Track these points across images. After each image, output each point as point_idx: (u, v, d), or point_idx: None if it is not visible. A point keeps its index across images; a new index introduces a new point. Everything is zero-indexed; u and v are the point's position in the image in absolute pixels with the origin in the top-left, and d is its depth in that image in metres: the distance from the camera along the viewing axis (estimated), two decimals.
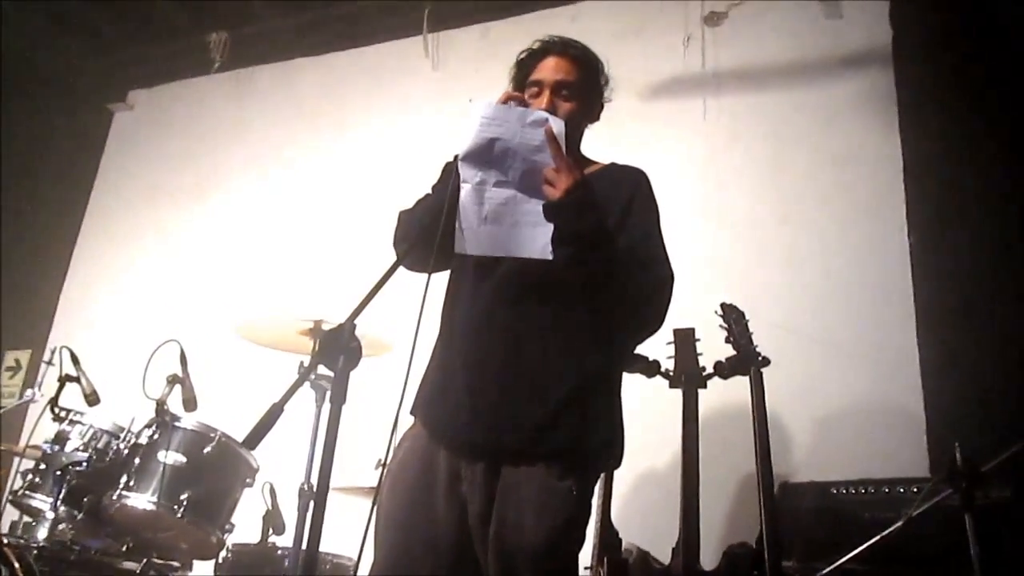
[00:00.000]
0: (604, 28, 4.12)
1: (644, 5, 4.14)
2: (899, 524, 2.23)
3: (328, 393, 1.77)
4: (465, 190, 1.72)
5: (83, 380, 2.85)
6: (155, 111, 5.26)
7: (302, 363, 2.60)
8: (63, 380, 2.82)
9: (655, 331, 1.92)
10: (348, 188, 4.40)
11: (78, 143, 5.24)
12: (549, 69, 1.93)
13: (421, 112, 4.42)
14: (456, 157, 1.74)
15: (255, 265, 4.36)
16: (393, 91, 4.58)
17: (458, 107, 4.11)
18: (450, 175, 1.75)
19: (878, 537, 2.24)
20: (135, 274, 4.67)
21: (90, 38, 5.14)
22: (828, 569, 2.28)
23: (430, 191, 1.96)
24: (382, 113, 4.54)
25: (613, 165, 2.06)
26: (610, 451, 1.86)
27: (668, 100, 3.96)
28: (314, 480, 2.23)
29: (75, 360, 2.86)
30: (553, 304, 1.82)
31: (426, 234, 1.73)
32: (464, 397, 1.80)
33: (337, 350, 1.48)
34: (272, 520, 2.72)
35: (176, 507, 2.57)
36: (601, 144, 2.08)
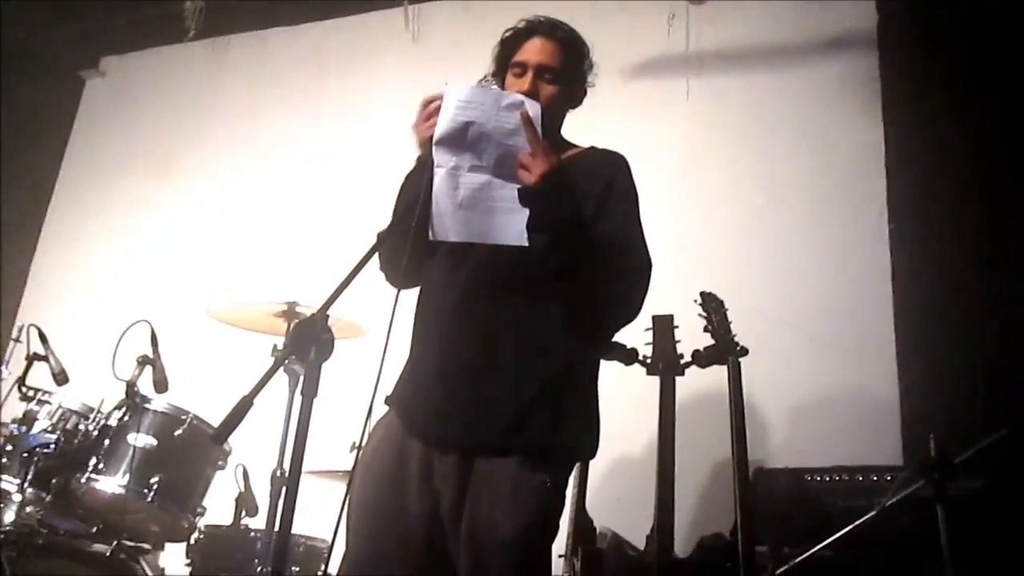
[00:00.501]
0: (587, 4, 4.06)
1: None
2: (872, 514, 2.25)
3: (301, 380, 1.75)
4: (439, 175, 1.68)
5: (51, 359, 2.78)
6: (128, 79, 5.14)
7: (275, 346, 2.57)
8: (31, 359, 2.75)
9: (631, 320, 1.90)
10: (325, 163, 4.33)
11: (48, 111, 5.10)
12: (534, 51, 1.88)
13: (400, 85, 4.33)
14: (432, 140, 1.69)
15: (229, 241, 4.29)
16: (372, 63, 4.49)
17: (438, 81, 4.07)
18: (422, 167, 1.71)
19: (852, 526, 2.25)
20: (106, 250, 4.58)
21: (61, 2, 4.98)
22: (801, 557, 2.30)
23: (404, 182, 1.91)
24: (360, 85, 4.46)
25: (592, 149, 2.02)
26: (585, 443, 1.84)
27: (651, 79, 3.92)
28: (287, 466, 2.20)
29: (43, 338, 2.79)
30: (528, 293, 1.79)
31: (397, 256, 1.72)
32: (437, 390, 1.78)
33: (309, 341, 1.45)
34: (245, 502, 2.70)
35: (146, 491, 2.53)
36: (582, 122, 2.04)
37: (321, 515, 1.83)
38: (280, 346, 2.61)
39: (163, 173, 4.67)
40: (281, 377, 2.56)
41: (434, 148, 1.69)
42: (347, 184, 4.18)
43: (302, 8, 4.72)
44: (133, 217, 4.62)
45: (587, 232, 1.74)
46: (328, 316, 1.47)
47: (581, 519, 2.40)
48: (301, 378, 1.48)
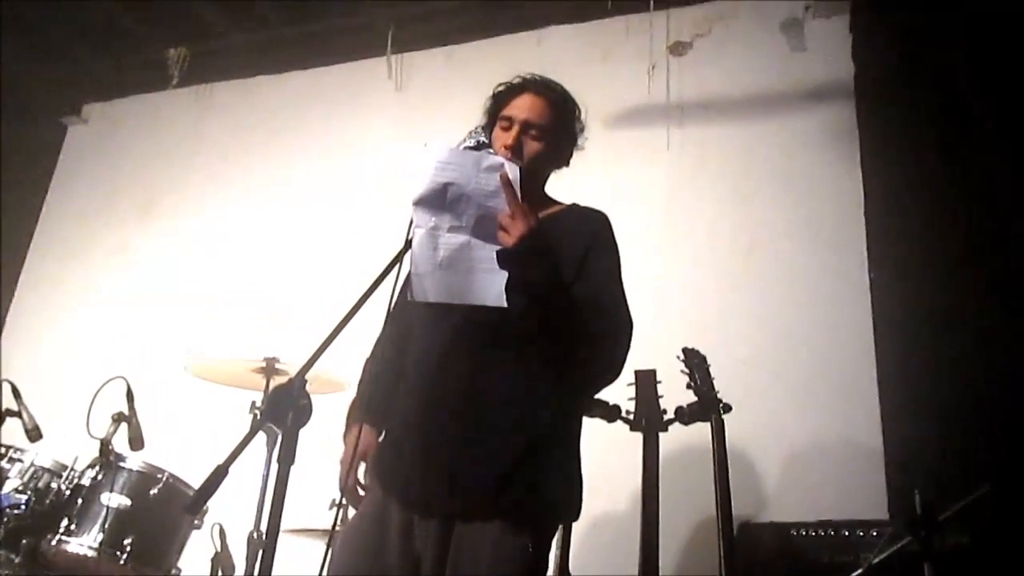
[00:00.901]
0: (569, 54, 4.12)
1: (610, 32, 4.13)
2: (859, 572, 2.22)
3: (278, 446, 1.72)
4: (419, 235, 1.68)
5: (25, 414, 2.73)
6: (110, 126, 5.13)
7: (254, 402, 2.54)
8: (3, 415, 2.70)
9: (613, 381, 1.90)
10: (307, 212, 4.31)
11: (29, 158, 5.07)
12: (523, 107, 1.90)
13: (385, 133, 4.37)
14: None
15: (209, 293, 4.24)
16: (356, 112, 4.51)
17: (422, 130, 4.13)
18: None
19: None
20: (85, 299, 4.52)
21: (44, 48, 4.99)
22: None
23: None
24: (344, 134, 4.47)
25: (574, 207, 2.03)
26: (568, 505, 1.82)
27: (632, 128, 3.94)
28: (264, 527, 2.16)
29: (16, 394, 2.74)
30: (509, 354, 1.78)
31: None
32: (418, 452, 1.76)
33: (286, 408, 1.43)
34: (221, 562, 2.63)
35: (119, 552, 2.48)
36: (565, 172, 2.05)
37: (301, 573, 1.80)
38: (259, 402, 2.58)
39: (145, 221, 4.65)
40: (260, 434, 2.55)
41: (413, 208, 1.69)
42: (331, 233, 4.17)
43: (286, 57, 4.76)
44: (113, 265, 4.57)
45: (566, 294, 1.73)
46: (306, 381, 1.45)
47: None
48: (278, 443, 1.46)
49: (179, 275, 4.39)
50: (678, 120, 3.82)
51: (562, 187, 2.05)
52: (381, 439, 1.87)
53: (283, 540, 1.37)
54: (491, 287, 1.67)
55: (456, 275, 1.69)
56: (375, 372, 1.97)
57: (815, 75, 3.70)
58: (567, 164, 2.01)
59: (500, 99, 1.95)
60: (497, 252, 1.66)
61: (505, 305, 1.65)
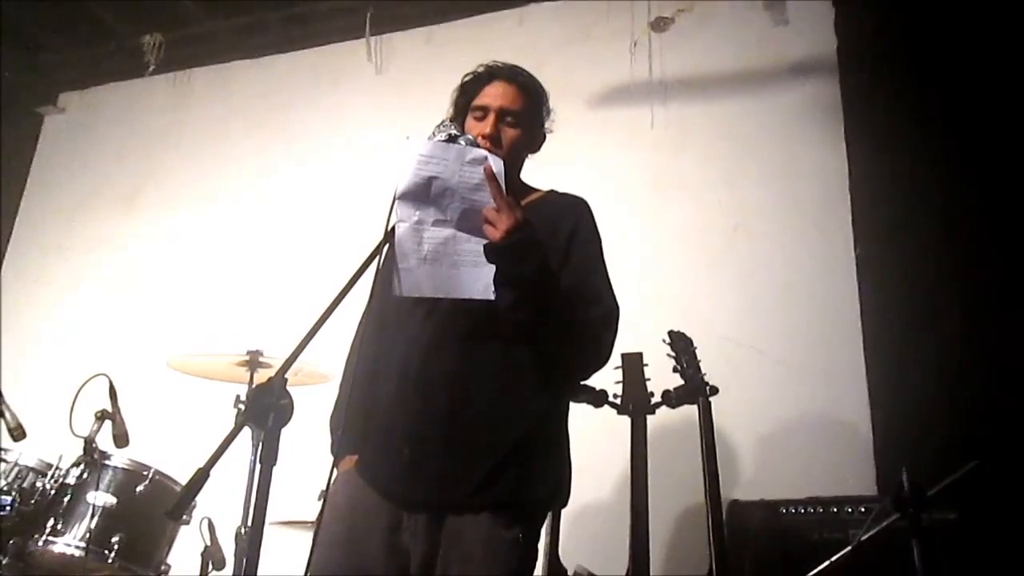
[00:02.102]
0: (550, 32, 4.06)
1: (591, 9, 4.07)
2: (848, 549, 2.23)
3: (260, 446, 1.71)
4: (403, 229, 1.66)
5: (7, 413, 2.69)
6: (88, 115, 5.06)
7: (238, 396, 2.52)
8: None
9: (601, 368, 1.90)
10: (288, 199, 4.27)
11: (6, 149, 4.99)
12: (496, 95, 1.88)
13: (364, 117, 4.32)
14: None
15: (194, 281, 4.21)
16: (335, 95, 4.46)
17: (402, 112, 4.08)
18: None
19: (828, 563, 2.23)
20: (66, 294, 4.47)
21: (18, 38, 4.90)
22: None
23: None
24: (324, 118, 4.41)
25: (553, 193, 2.01)
26: (557, 494, 1.82)
27: (616, 107, 3.90)
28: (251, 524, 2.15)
29: None
30: (497, 344, 1.77)
31: None
32: (406, 448, 1.74)
33: (266, 408, 1.41)
34: (211, 556, 2.62)
35: (106, 551, 2.45)
36: (549, 152, 2.03)
37: (291, 567, 1.79)
38: (243, 396, 2.57)
39: (126, 211, 4.59)
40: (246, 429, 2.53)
41: (397, 202, 1.66)
42: (312, 220, 4.13)
43: (262, 40, 4.70)
44: (94, 258, 4.52)
45: (555, 286, 1.72)
46: (287, 380, 1.43)
47: (554, 567, 2.36)
48: (261, 443, 1.44)
49: (161, 267, 4.34)
50: (661, 98, 3.79)
51: (546, 168, 2.03)
52: (366, 435, 1.85)
53: (273, 532, 1.38)
54: (477, 280, 1.66)
55: (441, 269, 1.68)
56: (344, 395, 1.95)
57: (798, 49, 3.66)
58: (538, 149, 1.99)
59: (470, 89, 1.93)
60: (484, 247, 1.65)
61: (492, 298, 1.65)
